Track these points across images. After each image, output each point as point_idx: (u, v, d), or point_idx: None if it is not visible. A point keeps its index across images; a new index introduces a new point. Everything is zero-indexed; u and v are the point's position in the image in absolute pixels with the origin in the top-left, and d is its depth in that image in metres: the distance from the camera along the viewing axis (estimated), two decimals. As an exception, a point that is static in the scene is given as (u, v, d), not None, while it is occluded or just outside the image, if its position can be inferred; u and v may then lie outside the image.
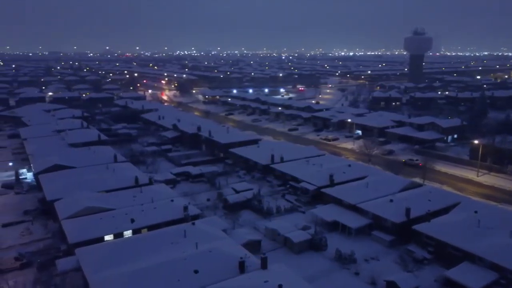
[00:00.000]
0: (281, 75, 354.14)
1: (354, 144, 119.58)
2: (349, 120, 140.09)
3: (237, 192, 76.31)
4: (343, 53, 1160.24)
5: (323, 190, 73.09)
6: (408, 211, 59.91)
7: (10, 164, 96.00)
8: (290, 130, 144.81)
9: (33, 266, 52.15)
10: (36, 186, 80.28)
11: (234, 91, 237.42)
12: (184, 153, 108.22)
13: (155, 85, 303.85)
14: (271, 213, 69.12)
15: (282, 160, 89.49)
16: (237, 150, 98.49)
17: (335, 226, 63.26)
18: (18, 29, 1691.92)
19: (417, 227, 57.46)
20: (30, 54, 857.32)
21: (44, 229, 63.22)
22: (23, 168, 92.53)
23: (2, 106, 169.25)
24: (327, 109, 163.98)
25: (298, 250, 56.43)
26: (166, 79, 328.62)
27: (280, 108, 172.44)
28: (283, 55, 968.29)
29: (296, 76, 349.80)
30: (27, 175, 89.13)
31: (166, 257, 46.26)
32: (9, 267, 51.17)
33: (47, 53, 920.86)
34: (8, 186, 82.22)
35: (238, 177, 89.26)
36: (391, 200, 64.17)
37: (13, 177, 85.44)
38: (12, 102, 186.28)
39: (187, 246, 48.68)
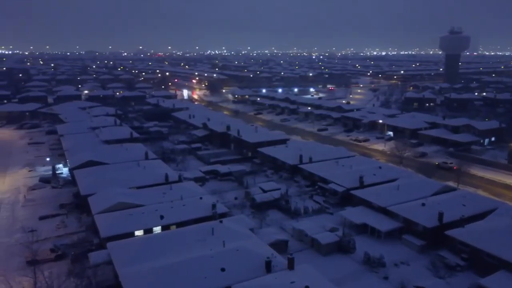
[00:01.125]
0: (311, 74, 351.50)
1: (385, 146, 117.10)
2: (380, 121, 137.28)
3: (264, 191, 76.32)
4: (375, 53, 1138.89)
5: (352, 192, 71.94)
6: (441, 215, 58.02)
7: (48, 159, 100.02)
8: (319, 130, 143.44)
9: (67, 258, 54.11)
10: (71, 181, 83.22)
11: (263, 90, 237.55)
12: (213, 152, 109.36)
13: (186, 84, 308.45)
14: (298, 213, 68.69)
15: (310, 161, 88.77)
16: (265, 150, 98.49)
17: (364, 229, 62.12)
18: (57, 30, 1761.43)
19: (450, 232, 55.55)
20: (68, 54, 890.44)
21: (78, 222, 65.47)
22: (60, 163, 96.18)
23: (41, 103, 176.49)
24: (357, 110, 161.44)
25: (325, 251, 55.80)
26: (197, 78, 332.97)
27: (309, 108, 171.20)
28: (313, 54, 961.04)
29: (327, 76, 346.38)
30: (63, 170, 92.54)
31: (193, 254, 46.86)
32: (45, 258, 53.28)
33: (83, 52, 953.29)
34: (45, 180, 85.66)
35: (266, 176, 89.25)
36: (423, 204, 62.35)
37: (50, 172, 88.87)
38: (50, 99, 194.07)
39: (214, 244, 49.11)
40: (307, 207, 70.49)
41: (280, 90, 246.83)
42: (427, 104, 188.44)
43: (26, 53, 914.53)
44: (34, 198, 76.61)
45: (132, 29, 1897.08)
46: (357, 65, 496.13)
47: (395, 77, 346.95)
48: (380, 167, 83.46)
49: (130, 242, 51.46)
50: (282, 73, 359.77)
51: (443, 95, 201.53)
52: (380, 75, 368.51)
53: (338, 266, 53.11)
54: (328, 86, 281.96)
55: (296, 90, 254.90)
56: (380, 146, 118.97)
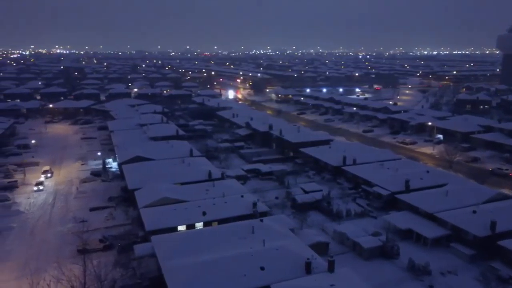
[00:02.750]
0: (357, 74, 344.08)
1: (434, 149, 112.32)
2: (429, 123, 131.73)
3: (306, 192, 75.70)
4: (425, 52, 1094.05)
5: (397, 196, 69.65)
6: (493, 224, 54.75)
7: (99, 153, 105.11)
8: (364, 131, 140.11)
9: (114, 249, 56.55)
10: (119, 175, 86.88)
11: (307, 90, 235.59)
12: (255, 151, 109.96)
13: (231, 83, 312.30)
14: (340, 216, 67.49)
15: (354, 163, 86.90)
16: (308, 150, 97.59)
17: (408, 235, 59.93)
18: (110, 30, 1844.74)
19: (504, 243, 52.30)
20: (120, 53, 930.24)
21: (125, 215, 68.24)
22: (109, 158, 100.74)
23: (94, 100, 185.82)
24: (405, 111, 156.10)
25: (367, 256, 54.42)
26: (241, 78, 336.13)
27: (354, 108, 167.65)
28: (360, 54, 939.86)
29: (373, 76, 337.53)
30: (113, 165, 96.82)
31: (234, 251, 47.35)
32: (94, 247, 56.03)
33: (134, 52, 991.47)
34: (96, 174, 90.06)
35: (308, 177, 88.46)
36: (474, 211, 59.13)
37: (101, 166, 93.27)
38: (102, 97, 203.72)
39: (254, 242, 49.36)
40: (350, 209, 69.10)
41: (324, 90, 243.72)
42: (482, 107, 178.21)
43: (82, 52, 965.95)
44: (85, 190, 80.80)
45: (180, 29, 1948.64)
46: (405, 65, 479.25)
47: (446, 77, 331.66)
48: (427, 171, 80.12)
49: (173, 236, 52.91)
50: (327, 73, 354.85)
51: (499, 97, 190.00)
52: (430, 76, 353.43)
53: (380, 271, 51.59)
54: (375, 86, 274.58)
55: (341, 90, 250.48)
56: (428, 150, 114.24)
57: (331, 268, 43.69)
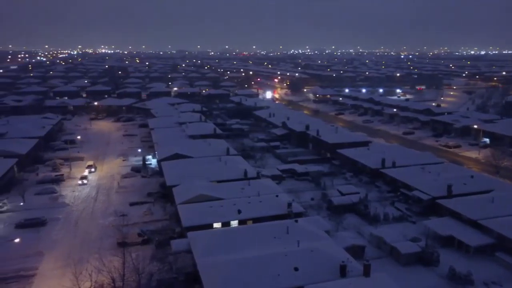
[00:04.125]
0: (398, 74, 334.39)
1: (480, 154, 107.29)
2: (475, 126, 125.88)
3: (342, 194, 74.55)
4: (472, 52, 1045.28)
5: (438, 201, 67.15)
6: (544, 235, 51.53)
7: (139, 150, 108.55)
8: (405, 133, 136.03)
9: (152, 243, 58.18)
10: (158, 172, 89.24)
11: (346, 90, 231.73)
12: (291, 151, 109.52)
13: (268, 83, 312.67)
14: (378, 219, 65.90)
15: (394, 165, 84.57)
16: (345, 151, 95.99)
17: (449, 242, 57.58)
18: (153, 30, 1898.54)
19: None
20: (161, 53, 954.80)
21: (163, 211, 70.07)
22: (149, 154, 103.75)
23: (136, 98, 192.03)
24: (449, 113, 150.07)
25: (405, 262, 52.82)
26: (279, 77, 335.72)
27: (395, 110, 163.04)
28: (402, 54, 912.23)
29: (416, 76, 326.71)
30: (152, 161, 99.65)
31: (268, 250, 47.41)
32: (133, 241, 57.94)
33: (175, 51, 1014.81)
34: (136, 170, 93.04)
35: (345, 179, 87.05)
36: (523, 220, 55.90)
37: (141, 162, 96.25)
38: (144, 95, 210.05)
39: (288, 242, 49.20)
40: (388, 213, 67.34)
41: (364, 90, 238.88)
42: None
43: (125, 52, 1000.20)
44: (126, 186, 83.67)
45: (219, 29, 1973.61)
46: (451, 65, 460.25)
47: (495, 78, 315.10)
48: (472, 176, 76.57)
49: (209, 233, 53.74)
50: (367, 73, 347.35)
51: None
52: (477, 76, 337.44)
53: (419, 278, 49.93)
54: (417, 86, 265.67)
55: (381, 90, 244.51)
56: (473, 154, 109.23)
57: (366, 272, 42.75)
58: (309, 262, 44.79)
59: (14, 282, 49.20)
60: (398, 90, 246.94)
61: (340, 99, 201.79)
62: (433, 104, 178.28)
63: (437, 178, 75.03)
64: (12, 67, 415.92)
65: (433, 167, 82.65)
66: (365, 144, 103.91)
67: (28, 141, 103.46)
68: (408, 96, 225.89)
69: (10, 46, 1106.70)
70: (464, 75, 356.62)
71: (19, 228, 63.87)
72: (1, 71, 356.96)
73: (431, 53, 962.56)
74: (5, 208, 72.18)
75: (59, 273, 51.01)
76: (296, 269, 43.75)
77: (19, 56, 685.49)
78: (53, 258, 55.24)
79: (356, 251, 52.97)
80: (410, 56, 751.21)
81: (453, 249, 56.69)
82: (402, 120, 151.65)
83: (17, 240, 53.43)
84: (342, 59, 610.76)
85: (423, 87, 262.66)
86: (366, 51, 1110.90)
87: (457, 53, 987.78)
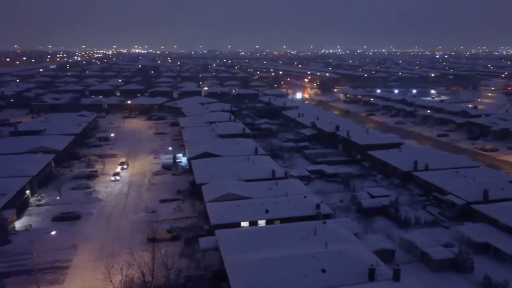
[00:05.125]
0: (433, 75, 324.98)
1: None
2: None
3: (372, 196, 73.16)
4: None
5: (474, 206, 64.72)
6: None
7: (170, 148, 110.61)
8: (439, 135, 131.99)
9: (181, 240, 59.15)
10: (188, 170, 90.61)
11: (378, 90, 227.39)
12: (320, 151, 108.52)
13: (298, 83, 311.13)
14: (408, 223, 64.27)
15: (426, 168, 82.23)
16: (376, 153, 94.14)
17: (485, 249, 55.39)
18: (185, 30, 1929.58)
19: None
20: (192, 53, 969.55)
21: (192, 208, 71.09)
22: (180, 153, 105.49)
23: (167, 97, 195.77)
24: (486, 115, 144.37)
25: (437, 268, 51.24)
26: (309, 77, 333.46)
27: (429, 111, 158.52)
28: (437, 53, 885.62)
29: (451, 77, 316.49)
30: (182, 159, 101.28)
31: (295, 251, 47.16)
32: (162, 237, 59.07)
33: (206, 51, 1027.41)
34: (167, 167, 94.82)
35: (375, 181, 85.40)
36: None
37: (171, 160, 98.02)
38: (175, 94, 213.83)
39: (316, 244, 48.77)
40: (419, 217, 65.55)
41: (396, 91, 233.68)
42: None
43: (158, 52, 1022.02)
44: (156, 183, 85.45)
45: (250, 29, 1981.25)
46: (489, 65, 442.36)
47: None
48: (510, 181, 73.30)
49: (236, 231, 54.05)
50: (400, 73, 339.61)
51: None
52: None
53: (451, 285, 48.30)
54: (453, 87, 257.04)
55: (414, 91, 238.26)
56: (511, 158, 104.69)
57: (396, 277, 41.76)
58: (337, 264, 44.22)
59: (49, 273, 51.24)
60: (432, 91, 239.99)
61: (372, 99, 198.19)
62: (470, 105, 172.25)
63: (472, 183, 72.29)
64: (51, 67, 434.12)
65: (468, 171, 79.71)
66: (396, 146, 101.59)
67: (65, 137, 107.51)
68: (443, 97, 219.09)
69: (50, 46, 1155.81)
70: (503, 76, 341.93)
71: (55, 221, 66.53)
72: (41, 70, 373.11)
73: (468, 53, 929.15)
74: (43, 201, 75.38)
75: (92, 265, 52.73)
76: (323, 270, 43.31)
77: (58, 56, 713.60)
78: (86, 251, 57.16)
79: (386, 255, 51.84)
80: (446, 56, 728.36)
81: (489, 257, 54.48)
82: (436, 122, 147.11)
83: (53, 233, 55.62)
84: (374, 59, 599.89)
85: (458, 88, 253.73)
86: (400, 51, 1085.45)
87: (496, 53, 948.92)
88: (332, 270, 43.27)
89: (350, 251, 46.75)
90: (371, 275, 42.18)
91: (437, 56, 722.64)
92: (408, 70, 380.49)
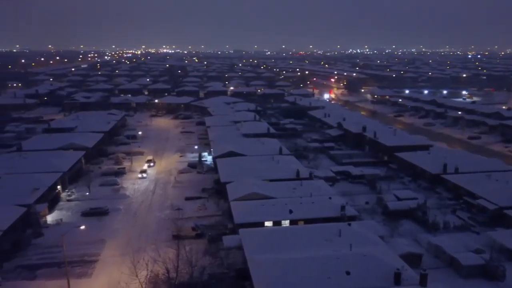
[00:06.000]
0: (464, 75, 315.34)
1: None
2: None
3: (399, 199, 71.66)
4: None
5: (506, 211, 62.31)
6: None
7: (196, 147, 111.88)
8: (470, 138, 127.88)
9: (205, 238, 59.71)
10: (213, 168, 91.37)
11: (407, 91, 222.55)
12: (346, 152, 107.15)
13: (324, 83, 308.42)
14: (437, 227, 62.58)
15: (456, 171, 79.84)
16: (404, 155, 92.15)
17: (518, 256, 53.23)
18: (212, 31, 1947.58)
19: None
20: (219, 53, 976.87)
21: (216, 206, 71.66)
22: (205, 151, 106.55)
23: (194, 97, 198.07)
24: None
25: (466, 274, 49.63)
26: (336, 77, 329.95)
27: (460, 112, 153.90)
28: (469, 53, 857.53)
29: (484, 77, 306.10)
30: (207, 158, 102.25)
31: (319, 252, 46.75)
32: (187, 234, 59.80)
33: (232, 51, 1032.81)
34: (192, 166, 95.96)
35: (402, 183, 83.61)
36: None
37: (197, 159, 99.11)
38: (201, 94, 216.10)
39: (340, 245, 48.19)
40: (448, 222, 63.73)
41: (426, 92, 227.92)
42: None
43: (185, 52, 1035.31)
44: (182, 181, 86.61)
45: (276, 29, 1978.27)
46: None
47: None
48: (547, 187, 70.18)
49: (260, 231, 54.09)
50: (430, 73, 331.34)
51: None
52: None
53: (481, 293, 46.68)
54: (487, 88, 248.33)
55: (445, 92, 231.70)
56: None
57: (423, 282, 40.73)
58: (362, 267, 43.53)
59: (78, 266, 52.79)
60: (464, 92, 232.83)
61: (400, 100, 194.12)
62: (504, 107, 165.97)
63: (505, 187, 69.69)
64: (83, 66, 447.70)
65: (501, 175, 76.79)
66: (425, 148, 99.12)
67: (95, 135, 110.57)
68: (475, 99, 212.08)
69: (82, 46, 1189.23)
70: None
71: (84, 216, 68.53)
72: (73, 69, 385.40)
73: (502, 53, 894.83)
74: (73, 196, 77.80)
75: (118, 260, 53.96)
76: (347, 273, 42.72)
77: (89, 56, 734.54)
78: (113, 246, 58.57)
79: (412, 259, 50.61)
80: (479, 56, 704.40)
81: (522, 264, 52.34)
82: (467, 124, 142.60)
83: (82, 227, 57.28)
84: (403, 59, 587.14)
85: (492, 89, 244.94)
86: (430, 51, 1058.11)
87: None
88: (356, 273, 42.63)
89: (375, 254, 45.93)
90: (397, 279, 41.28)
91: (470, 56, 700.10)
92: (439, 70, 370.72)
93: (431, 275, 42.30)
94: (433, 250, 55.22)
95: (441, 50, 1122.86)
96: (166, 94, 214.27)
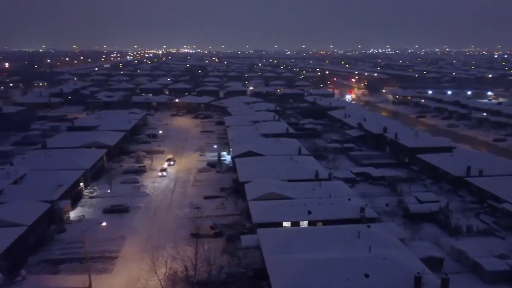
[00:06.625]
0: (490, 76, 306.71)
1: None
2: None
3: (420, 202, 70.32)
4: None
5: (533, 216, 60.29)
6: None
7: (215, 146, 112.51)
8: (495, 140, 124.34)
9: (223, 237, 59.97)
10: (232, 168, 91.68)
11: (429, 92, 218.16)
12: (366, 153, 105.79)
13: (345, 83, 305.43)
14: (459, 231, 61.12)
15: (480, 174, 77.81)
16: (426, 157, 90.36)
17: (545, 263, 51.42)
18: (232, 31, 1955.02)
19: None
20: (239, 52, 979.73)
21: (235, 206, 71.89)
22: (224, 151, 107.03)
23: (214, 97, 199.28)
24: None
25: (490, 279, 48.30)
26: (356, 77, 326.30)
27: (485, 114, 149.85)
28: (495, 53, 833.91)
29: (511, 78, 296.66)
30: (226, 158, 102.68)
31: (337, 254, 46.36)
32: (205, 233, 60.17)
33: (252, 51, 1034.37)
34: (211, 165, 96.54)
35: (424, 186, 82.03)
36: None
37: (216, 158, 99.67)
38: (221, 93, 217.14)
39: (359, 247, 47.64)
40: (471, 226, 62.13)
41: (449, 92, 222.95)
42: None
43: (206, 52, 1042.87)
44: (201, 180, 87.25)
45: (296, 29, 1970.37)
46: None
47: None
48: None
49: (278, 231, 53.99)
50: (454, 74, 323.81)
51: None
52: None
53: (506, 300, 45.33)
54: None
55: (469, 92, 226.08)
56: None
57: (444, 286, 39.86)
58: (381, 269, 42.90)
59: (99, 262, 53.86)
60: (489, 93, 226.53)
61: (422, 101, 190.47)
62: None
63: (532, 191, 67.47)
64: (105, 66, 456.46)
65: (528, 179, 74.44)
66: (448, 149, 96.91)
67: (116, 133, 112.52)
68: (500, 100, 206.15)
69: (105, 46, 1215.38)
70: None
71: (106, 213, 69.85)
72: (96, 69, 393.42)
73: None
74: (95, 194, 79.43)
75: (138, 257, 54.79)
76: (366, 275, 42.18)
77: (112, 56, 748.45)
78: (133, 243, 59.49)
79: (433, 263, 49.58)
80: (505, 56, 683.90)
81: (549, 272, 50.54)
82: (492, 126, 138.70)
83: (103, 224, 58.44)
84: (426, 59, 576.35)
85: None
86: (454, 50, 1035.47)
87: None
88: (375, 276, 42.05)
89: (395, 256, 45.20)
90: (417, 283, 40.50)
91: (496, 56, 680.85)
92: (463, 70, 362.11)
93: (453, 280, 41.36)
94: (455, 255, 53.98)
95: (466, 49, 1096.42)
96: (186, 93, 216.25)
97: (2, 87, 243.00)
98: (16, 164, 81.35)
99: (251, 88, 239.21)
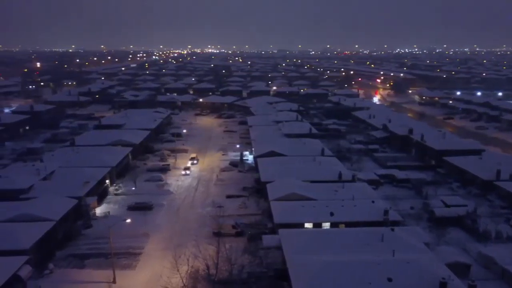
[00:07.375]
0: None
1: None
2: None
3: (447, 205, 68.51)
4: None
5: None
6: None
7: (237, 146, 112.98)
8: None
9: (245, 236, 60.15)
10: (254, 167, 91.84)
11: (458, 93, 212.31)
12: (391, 155, 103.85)
13: (370, 83, 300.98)
14: (488, 237, 59.21)
15: (511, 178, 75.06)
16: (453, 159, 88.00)
17: None
18: (256, 31, 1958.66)
19: None
20: (263, 52, 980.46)
21: (257, 205, 71.98)
22: (246, 151, 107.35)
23: (237, 96, 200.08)
24: None
25: (520, 288, 46.58)
26: (382, 77, 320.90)
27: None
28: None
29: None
30: (249, 157, 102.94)
31: (360, 257, 45.69)
32: (227, 232, 60.50)
33: (276, 51, 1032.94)
34: (234, 164, 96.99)
35: (451, 189, 79.89)
36: None
37: (238, 158, 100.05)
38: (244, 93, 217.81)
39: (383, 251, 46.83)
40: (501, 231, 60.05)
41: (478, 93, 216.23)
42: None
43: (230, 52, 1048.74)
44: (223, 179, 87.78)
45: (321, 29, 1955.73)
46: None
47: None
48: None
49: (300, 232, 53.74)
50: (484, 74, 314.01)
51: None
52: None
53: (537, 309, 43.61)
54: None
55: (500, 94, 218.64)
56: None
57: (471, 293, 38.71)
58: (405, 274, 42.04)
59: (123, 258, 54.98)
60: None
61: (450, 102, 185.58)
62: None
63: None
64: (132, 66, 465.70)
65: (562, 184, 71.42)
66: (477, 152, 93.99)
67: (142, 132, 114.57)
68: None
69: (131, 46, 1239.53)
70: None
71: (130, 210, 71.22)
72: (123, 69, 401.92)
73: None
74: (120, 191, 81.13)
75: (161, 254, 55.61)
76: (389, 279, 41.43)
77: (138, 55, 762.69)
78: (156, 240, 60.43)
79: (460, 269, 48.23)
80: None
81: None
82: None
83: (128, 221, 59.64)
84: (454, 59, 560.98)
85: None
86: (484, 50, 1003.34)
87: None
88: (399, 280, 41.24)
89: (419, 261, 44.21)
90: (443, 289, 39.49)
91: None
92: (494, 71, 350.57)
93: (480, 286, 40.15)
94: (483, 261, 52.33)
95: (497, 49, 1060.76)
96: (210, 93, 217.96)
97: (33, 86, 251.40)
98: (46, 160, 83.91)
99: (274, 88, 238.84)
